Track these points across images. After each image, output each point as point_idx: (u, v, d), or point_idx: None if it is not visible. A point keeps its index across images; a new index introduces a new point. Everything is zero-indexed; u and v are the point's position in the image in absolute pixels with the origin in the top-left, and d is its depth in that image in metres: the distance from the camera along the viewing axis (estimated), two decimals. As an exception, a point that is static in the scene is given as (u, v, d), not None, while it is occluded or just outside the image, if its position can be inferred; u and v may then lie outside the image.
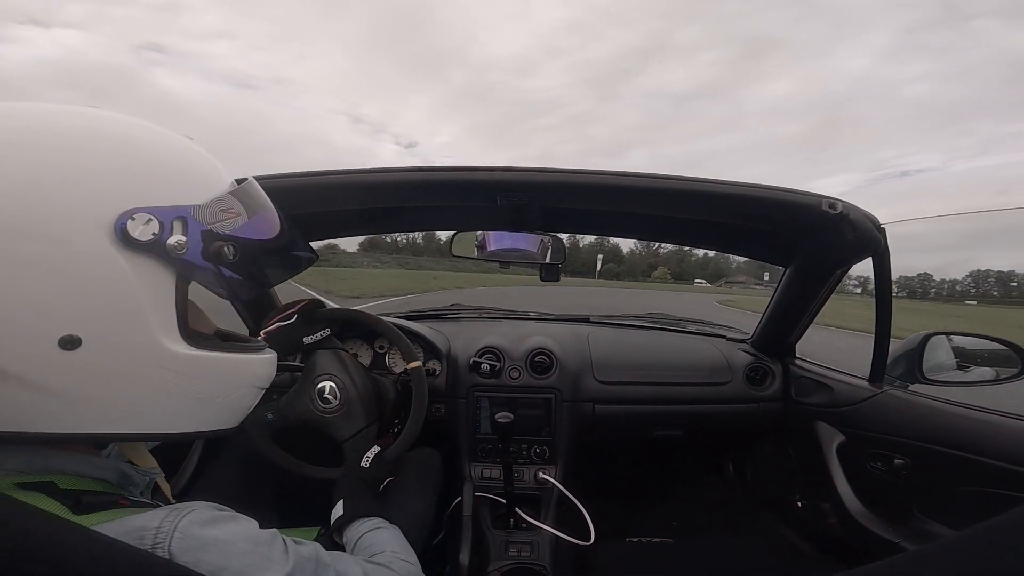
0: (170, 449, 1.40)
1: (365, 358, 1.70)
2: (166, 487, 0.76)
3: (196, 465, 1.42)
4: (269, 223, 0.67)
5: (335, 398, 1.19)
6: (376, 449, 1.15)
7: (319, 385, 1.19)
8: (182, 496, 1.24)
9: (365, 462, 1.12)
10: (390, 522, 1.00)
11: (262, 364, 0.70)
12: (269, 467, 1.21)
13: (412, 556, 0.90)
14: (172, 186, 0.58)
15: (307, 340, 1.22)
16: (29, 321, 0.50)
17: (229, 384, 0.65)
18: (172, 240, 0.56)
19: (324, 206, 1.38)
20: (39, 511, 0.48)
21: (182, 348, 0.59)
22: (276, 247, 0.69)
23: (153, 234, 0.55)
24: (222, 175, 0.65)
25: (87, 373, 0.53)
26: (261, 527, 0.63)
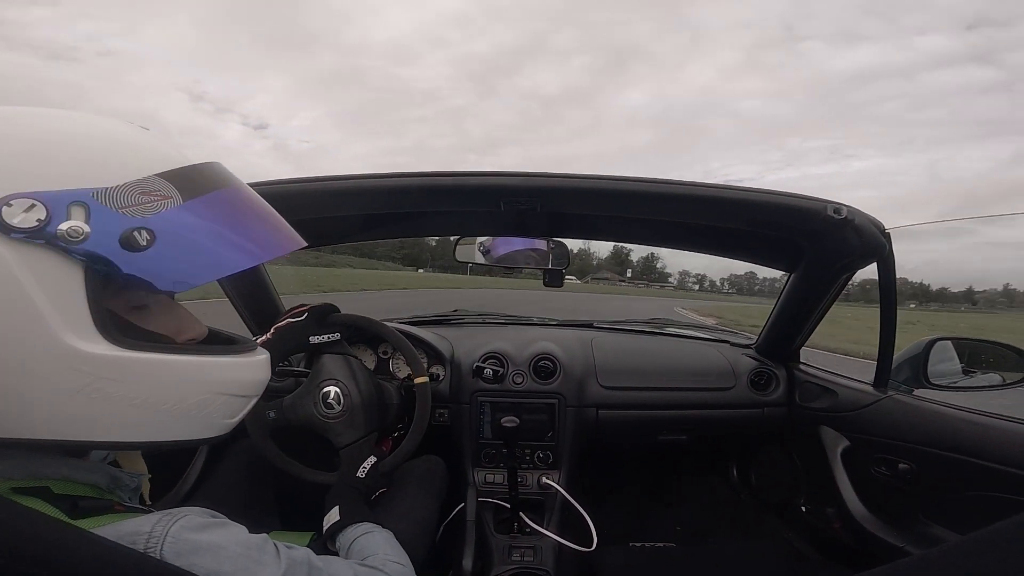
0: (172, 454, 1.41)
1: (369, 363, 1.70)
2: (146, 490, 0.74)
3: (200, 471, 1.43)
4: (215, 210, 0.60)
5: (339, 404, 1.19)
6: (372, 459, 1.15)
7: (324, 389, 1.19)
8: (185, 501, 1.24)
9: (361, 472, 1.12)
10: (386, 527, 1.00)
11: (233, 368, 0.63)
12: (272, 473, 1.21)
13: (404, 558, 0.91)
14: (67, 168, 0.52)
15: (313, 340, 1.21)
16: None
17: (177, 389, 0.57)
18: (64, 227, 0.49)
19: (326, 212, 1.38)
20: (39, 514, 0.48)
21: (100, 348, 0.52)
22: (227, 239, 0.61)
23: (38, 220, 0.48)
24: (159, 157, 0.57)
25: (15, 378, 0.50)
26: (259, 531, 0.63)
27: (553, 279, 1.61)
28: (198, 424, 0.60)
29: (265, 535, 0.63)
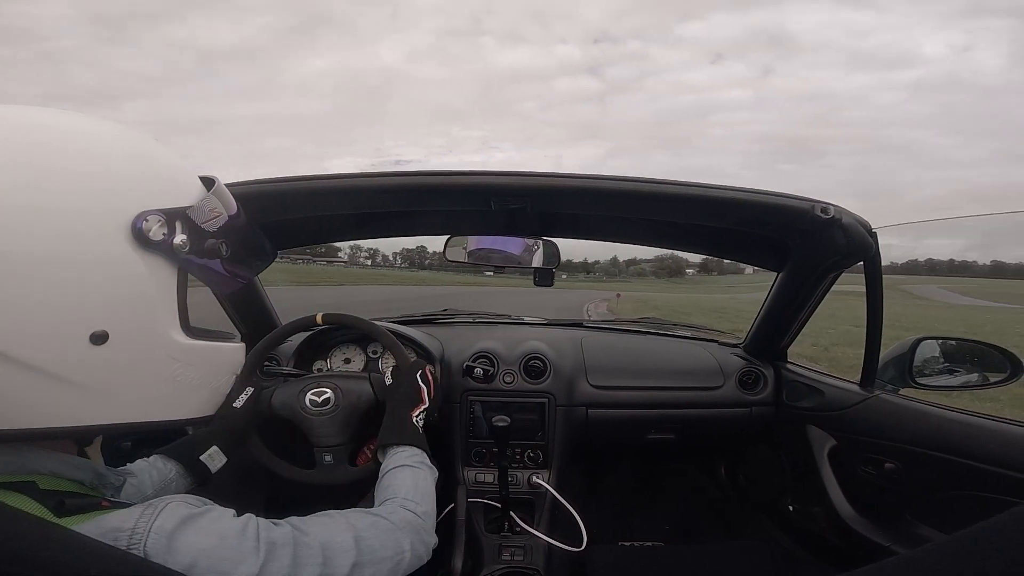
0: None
1: (358, 362, 1.70)
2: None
3: None
4: (240, 220, 0.70)
5: (325, 403, 1.18)
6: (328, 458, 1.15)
7: (316, 389, 1.19)
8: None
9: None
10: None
11: (237, 352, 0.75)
12: (262, 475, 1.20)
13: (426, 504, 0.86)
14: (172, 188, 0.62)
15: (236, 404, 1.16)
16: (63, 319, 0.53)
17: (217, 370, 0.70)
18: (177, 239, 0.60)
19: (315, 211, 1.37)
20: (24, 514, 0.48)
21: (184, 339, 0.63)
22: (250, 242, 0.74)
23: (163, 234, 0.58)
24: (197, 176, 0.68)
25: (112, 366, 0.57)
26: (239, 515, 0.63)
27: (543, 279, 1.61)
28: (213, 400, 0.72)
29: (248, 516, 0.63)
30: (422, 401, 1.08)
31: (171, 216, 0.59)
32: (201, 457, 1.03)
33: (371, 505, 1.19)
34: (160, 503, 0.57)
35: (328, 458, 1.15)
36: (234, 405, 1.11)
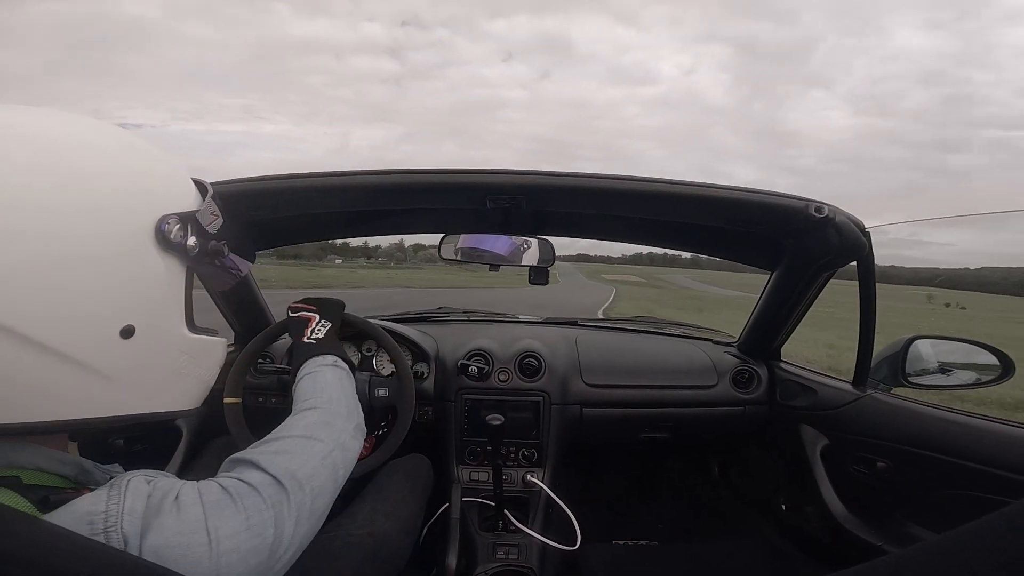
0: (159, 444, 1.40)
1: (353, 360, 1.70)
2: None
3: (179, 466, 1.41)
4: (226, 223, 0.73)
5: None
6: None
7: None
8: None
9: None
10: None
11: (223, 346, 0.77)
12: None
13: (326, 394, 0.88)
14: (183, 193, 0.67)
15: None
16: (97, 312, 0.56)
17: (212, 363, 0.74)
18: (190, 241, 0.64)
19: (309, 209, 1.37)
20: (11, 511, 0.49)
21: (190, 334, 0.67)
22: (239, 242, 0.76)
23: (180, 236, 0.63)
24: (192, 180, 0.72)
25: (136, 359, 0.60)
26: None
27: (538, 277, 1.61)
28: (203, 393, 0.74)
29: (183, 484, 0.60)
30: (308, 320, 1.12)
31: (184, 219, 0.64)
32: None
33: (368, 502, 1.19)
34: (122, 481, 0.57)
35: None
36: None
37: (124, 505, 0.54)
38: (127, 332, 0.58)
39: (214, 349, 0.73)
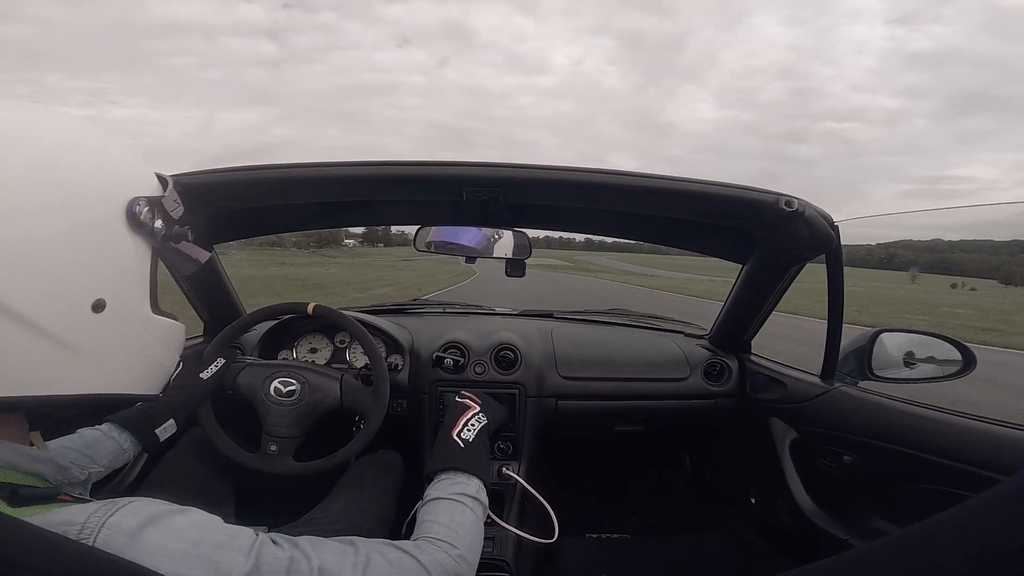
0: None
1: (325, 352, 1.68)
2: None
3: (146, 458, 1.38)
4: (187, 214, 0.75)
5: (290, 395, 1.17)
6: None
7: (287, 378, 1.18)
8: (130, 491, 1.20)
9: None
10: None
11: (183, 331, 0.79)
12: (228, 464, 1.18)
13: (464, 544, 0.76)
14: (147, 181, 0.69)
15: (203, 376, 1.17)
16: (70, 286, 0.58)
17: (173, 348, 0.75)
18: (157, 224, 0.67)
19: (285, 199, 1.35)
20: None
21: (154, 315, 0.70)
22: (198, 235, 0.78)
23: (148, 218, 0.66)
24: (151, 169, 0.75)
25: (107, 334, 0.62)
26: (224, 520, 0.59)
27: (515, 268, 1.60)
28: (165, 378, 0.76)
29: (243, 528, 0.59)
30: (467, 408, 1.07)
31: (152, 203, 0.67)
32: (156, 430, 1.04)
33: (342, 497, 1.18)
34: (121, 501, 0.54)
35: (273, 447, 1.16)
36: (201, 376, 1.12)
37: (109, 520, 0.51)
38: (98, 306, 0.60)
39: (176, 333, 0.75)
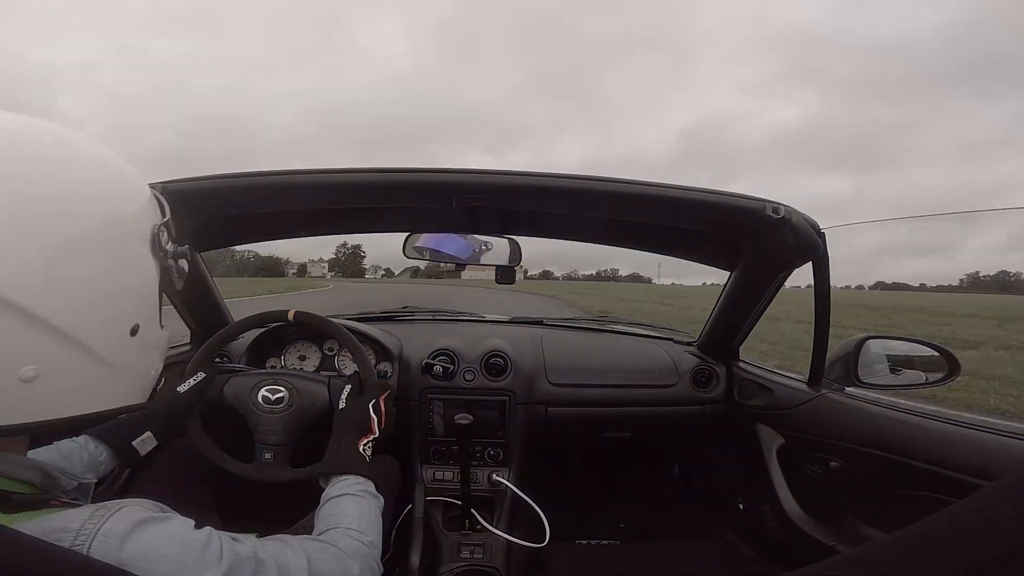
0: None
1: (314, 360, 1.67)
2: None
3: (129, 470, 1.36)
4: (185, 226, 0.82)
5: (279, 402, 1.16)
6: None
7: (274, 387, 1.17)
8: (121, 494, 1.18)
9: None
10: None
11: (168, 339, 0.80)
12: (212, 471, 1.17)
13: (372, 533, 0.85)
14: (156, 204, 0.72)
15: (180, 389, 1.14)
16: (114, 312, 0.62)
17: (164, 355, 0.78)
18: (170, 248, 0.72)
19: (275, 206, 1.35)
20: None
21: (162, 331, 0.75)
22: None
23: (166, 242, 0.71)
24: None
25: (139, 354, 0.67)
26: (199, 527, 0.61)
27: (505, 276, 1.60)
28: (151, 386, 0.76)
29: (209, 529, 0.62)
30: (371, 431, 1.07)
31: (167, 227, 0.71)
32: (134, 442, 1.04)
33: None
34: (114, 505, 0.55)
35: (268, 455, 1.14)
36: (178, 389, 1.09)
37: (103, 526, 0.52)
38: (134, 330, 0.65)
39: (167, 342, 0.79)
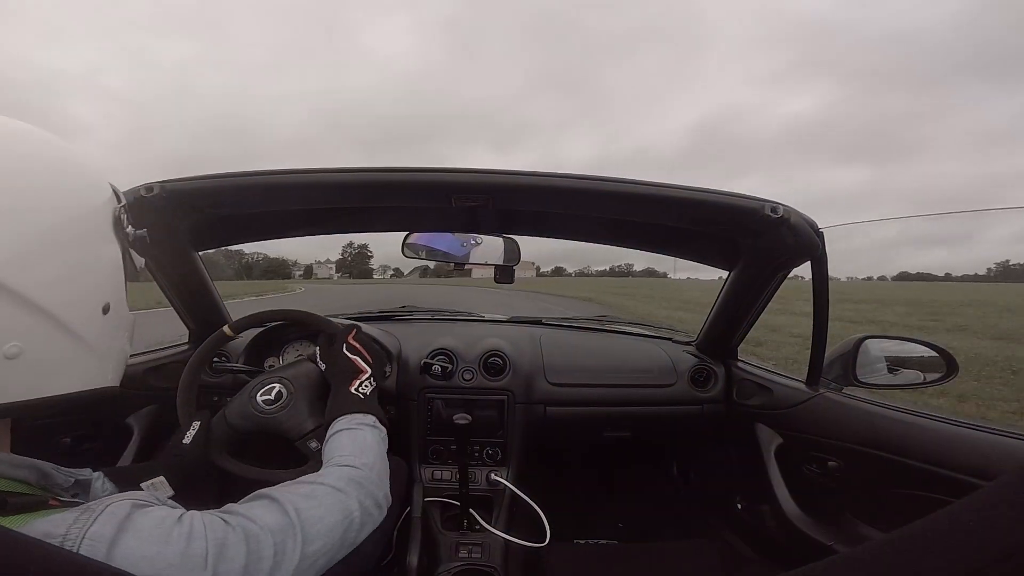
0: (109, 443, 1.36)
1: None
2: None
3: (132, 462, 1.36)
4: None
5: (278, 397, 1.14)
6: (197, 423, 1.08)
7: (265, 387, 1.15)
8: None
9: (187, 438, 1.05)
10: None
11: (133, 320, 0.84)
12: (213, 473, 1.15)
13: (367, 456, 0.86)
14: (114, 194, 0.75)
15: (185, 441, 1.09)
16: (87, 292, 0.66)
17: (131, 341, 0.81)
18: (128, 228, 0.75)
19: (271, 205, 1.34)
20: None
21: (128, 311, 0.77)
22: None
23: (127, 223, 0.74)
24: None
25: (110, 333, 0.70)
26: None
27: (504, 276, 1.60)
28: (123, 368, 0.79)
29: (192, 513, 0.60)
30: (359, 371, 1.07)
31: (124, 211, 0.74)
32: (143, 484, 0.97)
33: None
34: (100, 505, 0.54)
35: (314, 444, 1.08)
36: (184, 442, 1.04)
37: (88, 530, 0.51)
38: (106, 308, 0.69)
39: (132, 326, 0.81)
